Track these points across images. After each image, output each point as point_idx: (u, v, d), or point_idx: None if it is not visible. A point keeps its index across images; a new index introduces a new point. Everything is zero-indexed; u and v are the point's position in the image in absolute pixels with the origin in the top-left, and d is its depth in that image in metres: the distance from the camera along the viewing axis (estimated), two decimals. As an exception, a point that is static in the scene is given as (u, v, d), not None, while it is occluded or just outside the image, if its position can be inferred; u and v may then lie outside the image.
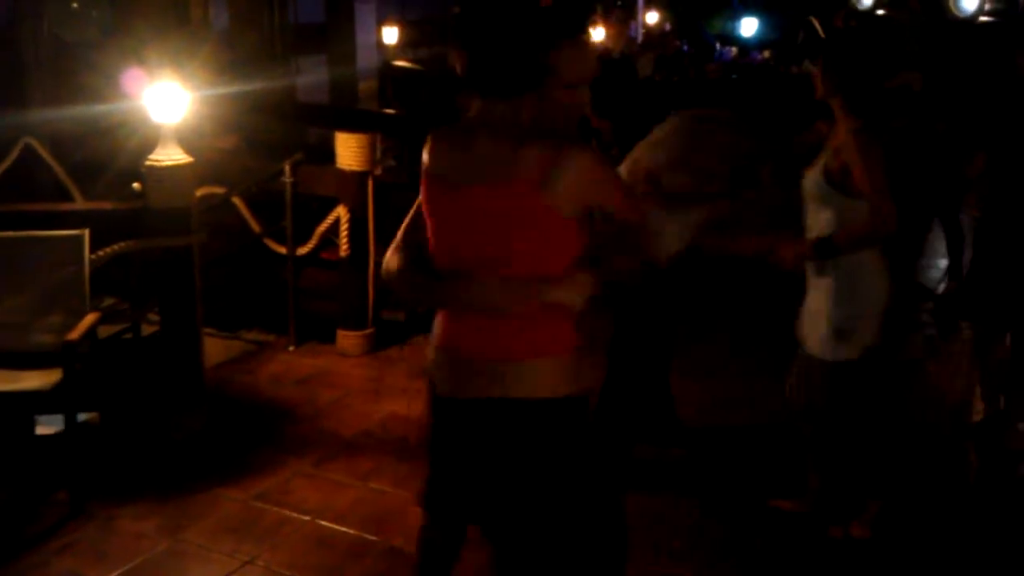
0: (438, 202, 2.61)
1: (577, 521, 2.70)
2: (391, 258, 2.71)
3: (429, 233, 2.63)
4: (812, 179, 3.74)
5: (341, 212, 5.93)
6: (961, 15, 10.51)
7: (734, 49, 17.25)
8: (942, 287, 7.12)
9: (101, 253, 4.77)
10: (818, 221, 3.75)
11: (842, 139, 3.64)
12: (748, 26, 17.30)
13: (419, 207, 2.68)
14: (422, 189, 2.64)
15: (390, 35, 11.98)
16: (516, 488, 2.64)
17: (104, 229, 4.86)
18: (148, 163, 4.76)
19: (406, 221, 2.74)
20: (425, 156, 2.64)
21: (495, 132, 2.51)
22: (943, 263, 7.27)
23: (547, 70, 2.52)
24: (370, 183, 5.94)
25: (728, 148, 3.47)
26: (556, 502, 2.64)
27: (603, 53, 9.18)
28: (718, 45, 17.31)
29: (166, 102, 4.72)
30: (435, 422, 2.74)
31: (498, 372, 2.56)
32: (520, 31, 2.48)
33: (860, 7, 12.47)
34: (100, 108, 6.66)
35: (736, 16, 17.73)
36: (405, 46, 12.08)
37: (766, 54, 16.53)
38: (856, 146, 3.56)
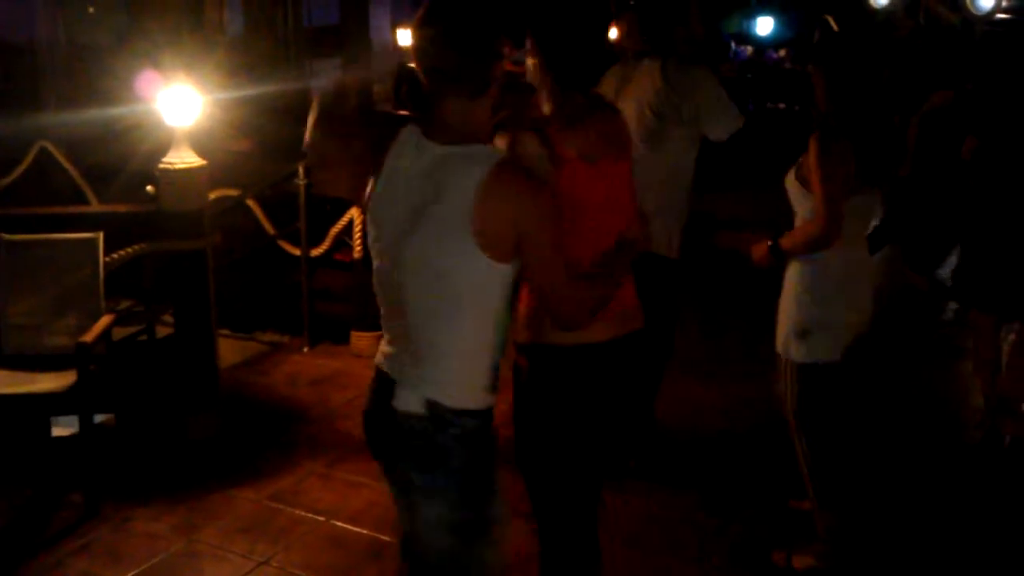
0: (583, 182, 2.70)
1: None
2: None
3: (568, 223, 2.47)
4: (790, 177, 3.68)
5: (355, 214, 5.94)
6: (978, 13, 10.44)
7: (749, 48, 17.16)
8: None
9: (115, 256, 4.79)
10: (797, 220, 3.72)
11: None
12: (764, 25, 17.20)
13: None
14: (565, 176, 2.66)
15: (405, 37, 11.98)
16: None
17: (118, 232, 4.88)
18: (162, 166, 4.78)
19: None
20: (556, 144, 2.67)
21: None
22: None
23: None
24: (383, 184, 5.93)
25: None
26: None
27: (618, 52, 9.21)
28: (733, 44, 17.24)
29: (180, 105, 4.74)
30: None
31: None
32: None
33: (877, 5, 12.39)
34: (115, 111, 6.69)
35: (752, 15, 17.64)
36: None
37: (782, 53, 16.45)
38: (815, 149, 3.46)
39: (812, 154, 3.46)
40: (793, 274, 3.68)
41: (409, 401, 2.37)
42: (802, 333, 3.62)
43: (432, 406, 2.34)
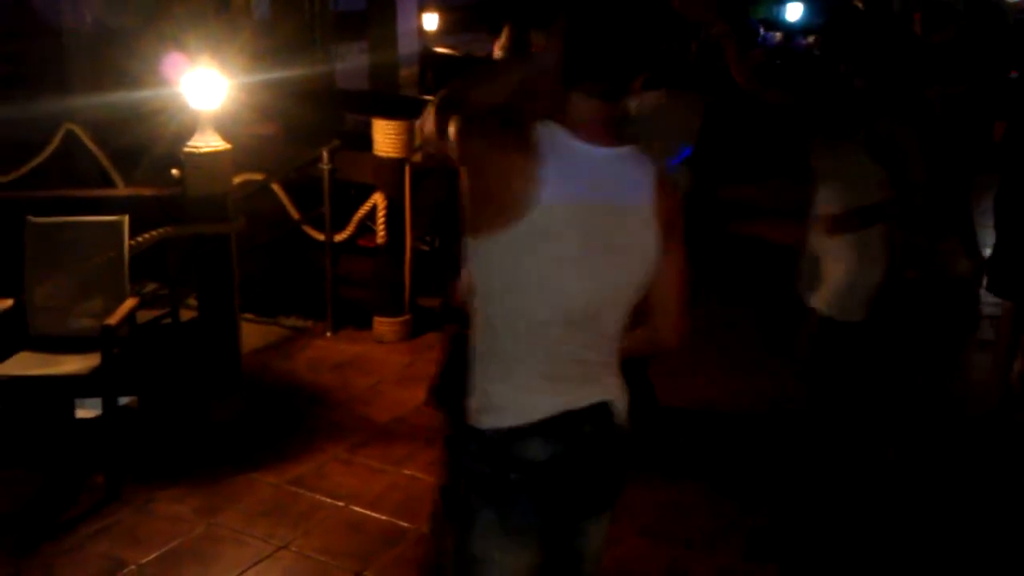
0: None
1: None
2: None
3: None
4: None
5: (378, 199, 5.94)
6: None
7: (779, 34, 17.04)
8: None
9: (140, 239, 4.81)
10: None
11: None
12: (793, 11, 17.08)
13: None
14: None
15: (430, 21, 11.97)
16: None
17: (143, 215, 4.91)
18: (187, 149, 4.79)
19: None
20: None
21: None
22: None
23: None
24: (407, 170, 5.94)
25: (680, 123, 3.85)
26: None
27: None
28: (762, 30, 17.12)
29: (205, 89, 4.74)
30: None
31: None
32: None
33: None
34: (140, 94, 6.70)
35: (782, 1, 17.53)
36: (446, 33, 12.08)
37: (811, 39, 16.32)
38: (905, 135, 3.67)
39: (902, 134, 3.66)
40: (844, 239, 3.78)
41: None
42: (850, 292, 3.80)
43: None
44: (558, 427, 2.15)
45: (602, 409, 2.22)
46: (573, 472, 2.19)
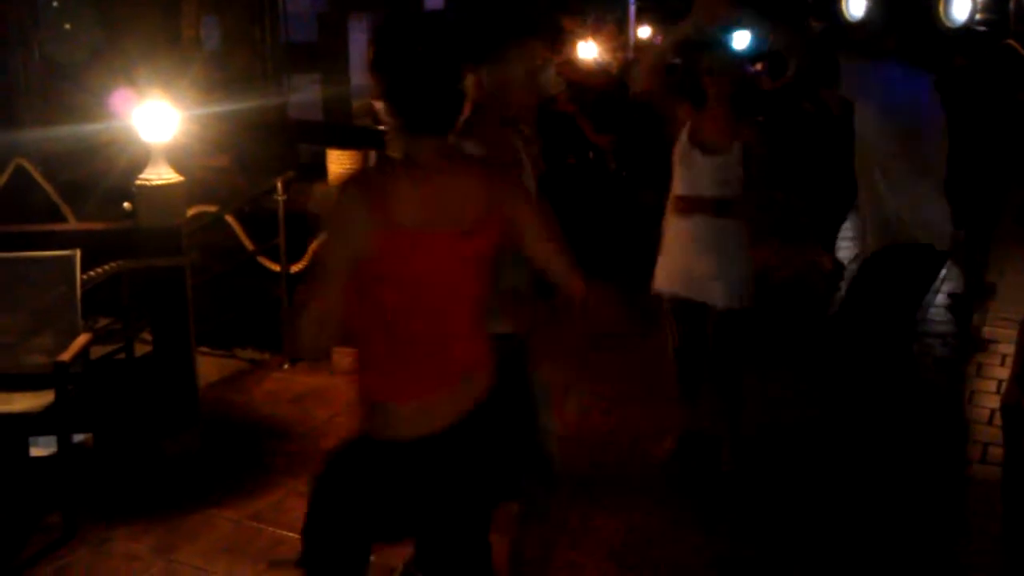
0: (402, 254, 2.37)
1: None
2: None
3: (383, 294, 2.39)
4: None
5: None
6: (952, 25, 10.52)
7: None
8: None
9: (92, 273, 4.75)
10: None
11: None
12: (740, 39, 17.37)
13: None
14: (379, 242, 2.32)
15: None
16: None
17: (96, 249, 4.84)
18: (139, 182, 4.74)
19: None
20: (375, 205, 2.31)
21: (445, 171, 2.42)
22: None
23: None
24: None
25: None
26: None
27: (601, 67, 9.23)
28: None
29: (156, 121, 4.71)
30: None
31: None
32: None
33: (850, 19, 12.45)
34: (91, 128, 6.65)
35: (729, 29, 17.79)
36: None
37: (759, 67, 16.52)
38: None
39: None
40: (729, 234, 4.40)
41: None
42: (744, 283, 4.44)
43: None
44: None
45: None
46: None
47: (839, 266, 7.80)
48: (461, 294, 2.46)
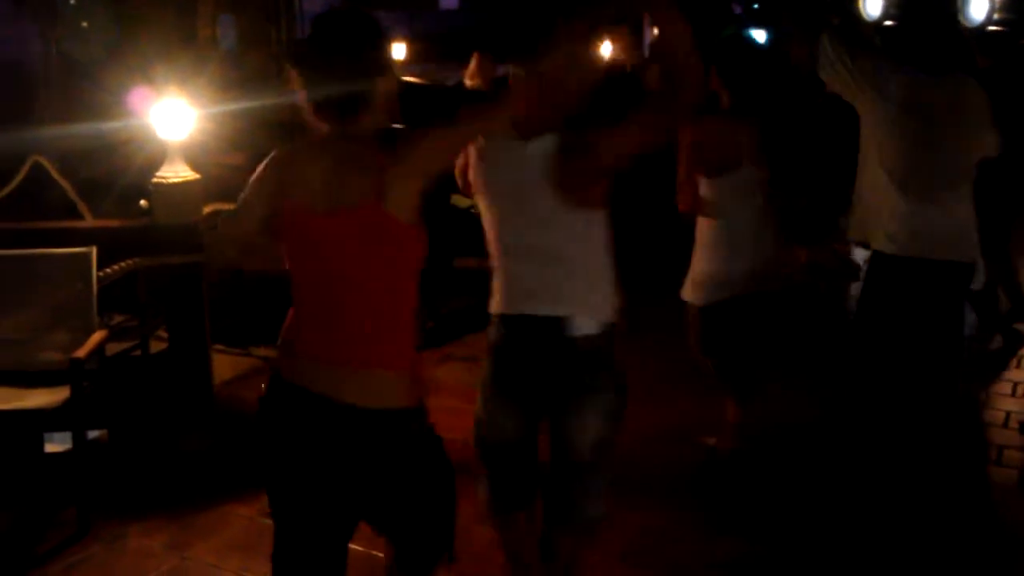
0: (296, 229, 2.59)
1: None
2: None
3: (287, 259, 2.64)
4: None
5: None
6: (970, 24, 10.48)
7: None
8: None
9: (109, 270, 4.77)
10: None
11: None
12: (757, 38, 17.31)
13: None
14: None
15: (398, 51, 11.99)
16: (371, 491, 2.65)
17: (112, 246, 4.86)
18: (155, 180, 4.77)
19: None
20: (284, 175, 2.59)
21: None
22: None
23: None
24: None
25: None
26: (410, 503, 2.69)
27: (614, 66, 9.22)
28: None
29: (173, 119, 4.73)
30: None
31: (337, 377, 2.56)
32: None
33: (867, 18, 12.40)
34: (108, 125, 6.66)
35: (745, 28, 17.73)
36: (413, 62, 12.10)
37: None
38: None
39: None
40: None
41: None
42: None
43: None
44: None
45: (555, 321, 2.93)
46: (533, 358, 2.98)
47: (851, 266, 7.75)
48: (350, 276, 2.52)
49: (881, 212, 4.17)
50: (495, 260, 3.05)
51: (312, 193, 2.50)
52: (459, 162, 3.09)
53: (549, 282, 2.95)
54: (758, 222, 4.44)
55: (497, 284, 3.05)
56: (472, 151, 3.02)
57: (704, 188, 4.41)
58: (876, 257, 4.26)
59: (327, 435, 2.57)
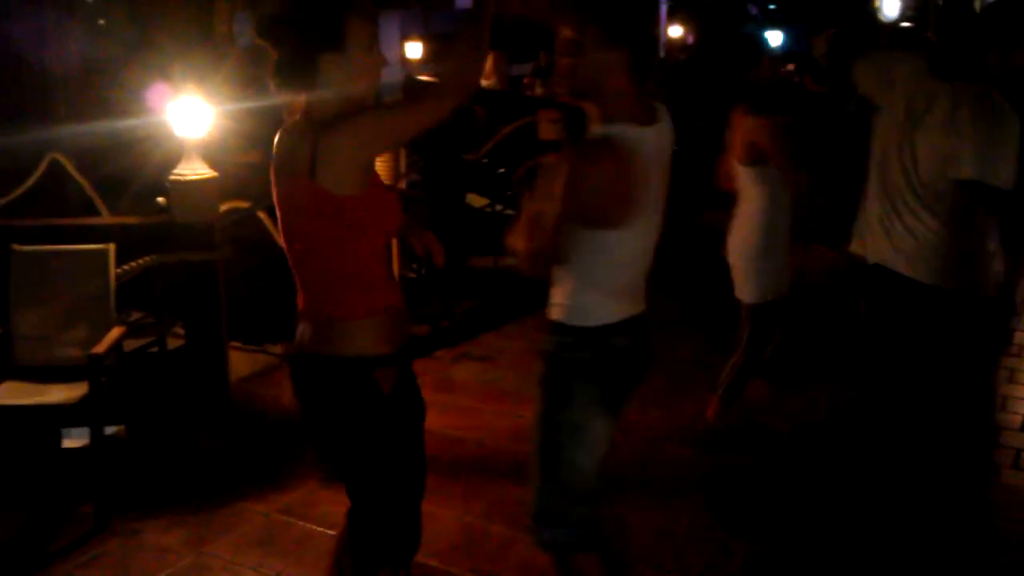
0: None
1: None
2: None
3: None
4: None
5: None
6: (886, 21, 10.68)
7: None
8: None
9: (126, 267, 4.79)
10: None
11: None
12: (773, 38, 17.27)
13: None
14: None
15: (414, 50, 12.00)
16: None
17: (129, 243, 4.89)
18: (173, 177, 4.78)
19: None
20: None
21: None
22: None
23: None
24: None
25: None
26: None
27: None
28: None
29: (190, 117, 4.74)
30: None
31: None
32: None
33: (884, 20, 12.39)
34: (125, 123, 6.70)
35: (760, 28, 17.67)
36: (429, 61, 12.11)
37: (789, 67, 16.43)
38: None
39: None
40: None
41: None
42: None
43: None
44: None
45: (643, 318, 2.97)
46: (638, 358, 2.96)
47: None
48: (302, 240, 2.69)
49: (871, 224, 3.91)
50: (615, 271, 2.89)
51: (276, 166, 2.69)
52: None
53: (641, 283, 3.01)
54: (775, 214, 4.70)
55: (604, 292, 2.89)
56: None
57: (737, 173, 4.73)
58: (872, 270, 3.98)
59: (302, 383, 2.82)
